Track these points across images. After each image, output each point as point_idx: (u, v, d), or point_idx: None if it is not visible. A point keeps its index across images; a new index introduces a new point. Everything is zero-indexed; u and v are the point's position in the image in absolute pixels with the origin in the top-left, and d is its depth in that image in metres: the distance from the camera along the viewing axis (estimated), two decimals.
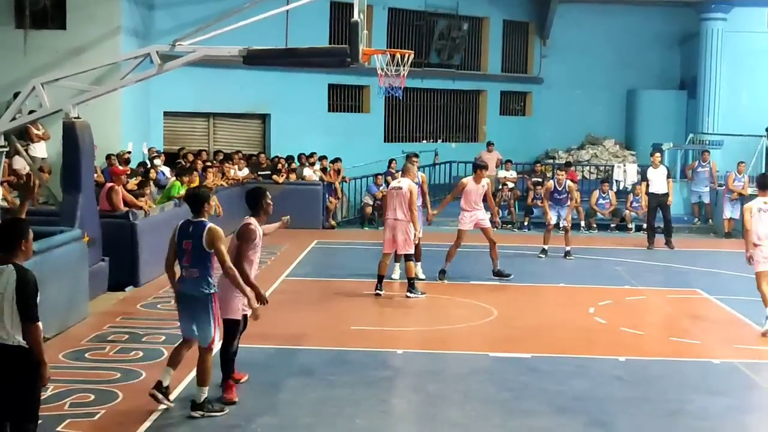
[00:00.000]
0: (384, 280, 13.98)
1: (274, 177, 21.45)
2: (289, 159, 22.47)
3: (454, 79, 27.97)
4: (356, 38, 12.63)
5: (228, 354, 8.76)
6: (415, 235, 14.00)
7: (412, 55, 14.92)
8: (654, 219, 20.03)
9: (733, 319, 12.95)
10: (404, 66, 14.47)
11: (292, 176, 21.87)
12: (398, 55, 14.63)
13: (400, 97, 17.49)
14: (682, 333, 12.04)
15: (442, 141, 28.25)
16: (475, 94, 29.16)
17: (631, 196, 22.93)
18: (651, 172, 20.01)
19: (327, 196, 22.18)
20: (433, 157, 26.28)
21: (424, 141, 27.95)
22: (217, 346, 8.49)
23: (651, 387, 9.56)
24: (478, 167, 15.70)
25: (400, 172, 15.92)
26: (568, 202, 18.31)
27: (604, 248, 19.47)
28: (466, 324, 12.30)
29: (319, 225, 21.57)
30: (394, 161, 22.25)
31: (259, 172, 21.92)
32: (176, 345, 8.63)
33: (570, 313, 13.05)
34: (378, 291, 13.89)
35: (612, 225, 22.70)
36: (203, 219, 8.29)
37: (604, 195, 22.82)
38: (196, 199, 8.36)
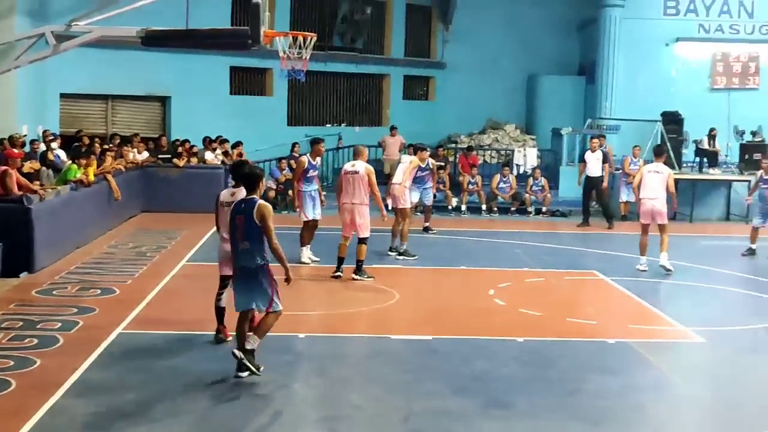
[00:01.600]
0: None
1: (175, 161, 21.14)
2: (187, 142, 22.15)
3: (357, 63, 27.95)
4: (258, 20, 12.53)
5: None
6: (383, 216, 14.11)
7: (315, 38, 14.87)
8: (589, 201, 20.66)
9: (627, 299, 13.28)
10: (306, 49, 14.41)
11: (194, 160, 21.57)
12: (301, 38, 14.56)
13: (303, 80, 17.39)
14: (579, 313, 12.30)
15: (346, 125, 28.25)
16: (378, 78, 29.21)
17: (531, 180, 23.27)
18: (589, 156, 20.74)
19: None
20: (337, 140, 26.26)
21: (328, 125, 27.90)
22: (277, 308, 8.93)
23: (549, 367, 9.73)
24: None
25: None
26: (430, 182, 18.68)
27: (505, 231, 19.72)
28: (368, 307, 12.35)
29: None
30: (297, 145, 22.13)
31: (159, 156, 21.56)
32: (236, 325, 9.07)
33: (470, 295, 13.21)
34: (337, 273, 13.90)
35: (512, 208, 23.00)
36: (254, 196, 8.93)
37: (504, 179, 23.11)
38: (251, 179, 9.08)
